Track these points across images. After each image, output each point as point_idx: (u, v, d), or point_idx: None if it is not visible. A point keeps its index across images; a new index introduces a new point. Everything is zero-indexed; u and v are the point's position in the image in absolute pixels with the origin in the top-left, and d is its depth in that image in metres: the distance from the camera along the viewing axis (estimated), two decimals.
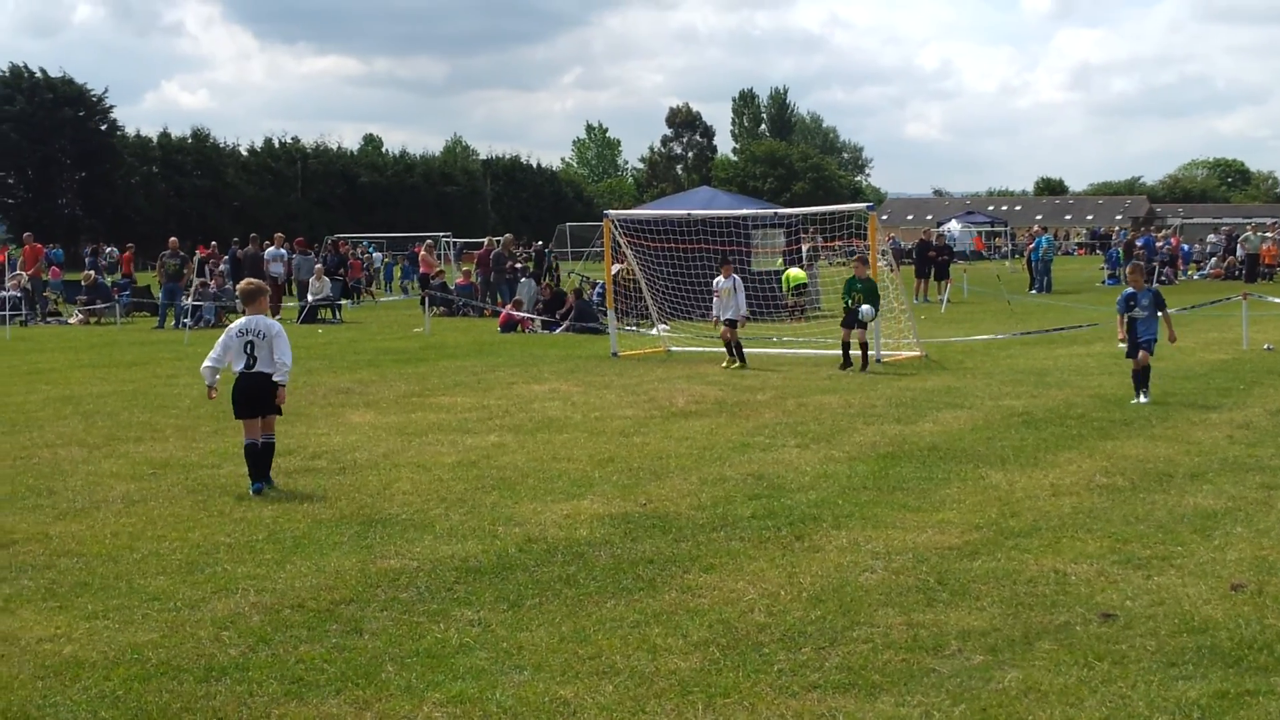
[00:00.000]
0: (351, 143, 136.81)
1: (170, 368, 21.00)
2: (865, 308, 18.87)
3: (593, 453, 12.24)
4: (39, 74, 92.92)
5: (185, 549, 8.64)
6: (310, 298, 33.99)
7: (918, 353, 20.82)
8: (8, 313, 31.82)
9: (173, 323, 31.32)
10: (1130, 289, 15.30)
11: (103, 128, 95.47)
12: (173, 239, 35.21)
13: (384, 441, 13.05)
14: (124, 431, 13.85)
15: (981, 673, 6.10)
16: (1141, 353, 14.81)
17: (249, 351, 10.61)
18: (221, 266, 37.50)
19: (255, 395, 10.60)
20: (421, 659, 6.36)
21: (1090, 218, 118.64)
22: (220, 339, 10.80)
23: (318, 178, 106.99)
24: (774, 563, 8.15)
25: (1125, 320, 15.06)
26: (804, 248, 32.96)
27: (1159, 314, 15.08)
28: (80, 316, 34.59)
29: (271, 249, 36.73)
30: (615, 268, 25.61)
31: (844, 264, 45.40)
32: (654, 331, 24.48)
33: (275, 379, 10.63)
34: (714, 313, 20.53)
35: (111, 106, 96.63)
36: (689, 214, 26.20)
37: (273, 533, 9.09)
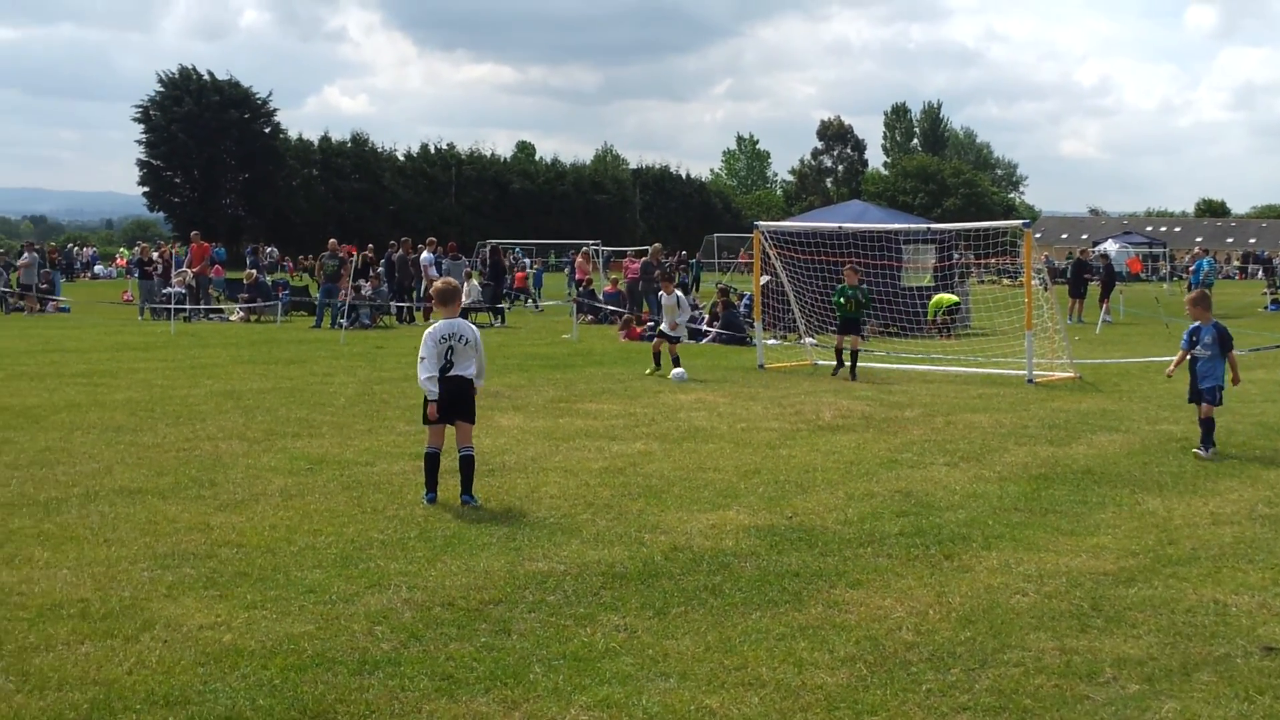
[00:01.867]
0: (505, 149, 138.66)
1: (326, 366, 21.51)
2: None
3: (738, 464, 12.23)
4: (207, 76, 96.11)
5: (340, 544, 8.84)
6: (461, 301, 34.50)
7: (1071, 374, 20.40)
8: (173, 308, 32.90)
9: (329, 323, 32.08)
10: (1195, 322, 13.61)
11: (266, 130, 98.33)
12: (332, 240, 36.02)
13: (532, 445, 13.20)
14: (282, 427, 14.22)
15: (1137, 702, 5.96)
16: (1204, 404, 12.99)
17: (447, 357, 10.28)
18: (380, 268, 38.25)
19: (452, 399, 10.29)
20: (568, 662, 6.42)
21: (1253, 241, 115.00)
22: (425, 347, 10.29)
23: (471, 183, 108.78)
24: (922, 581, 8.06)
25: (1188, 358, 13.41)
26: (955, 264, 32.57)
27: (1224, 355, 13.27)
28: (241, 314, 35.62)
29: (426, 254, 37.40)
30: (763, 280, 25.54)
31: (996, 282, 44.81)
32: (801, 344, 24.35)
33: (478, 384, 10.47)
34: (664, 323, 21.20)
35: (275, 110, 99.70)
36: (840, 227, 26.04)
37: (424, 531, 9.25)
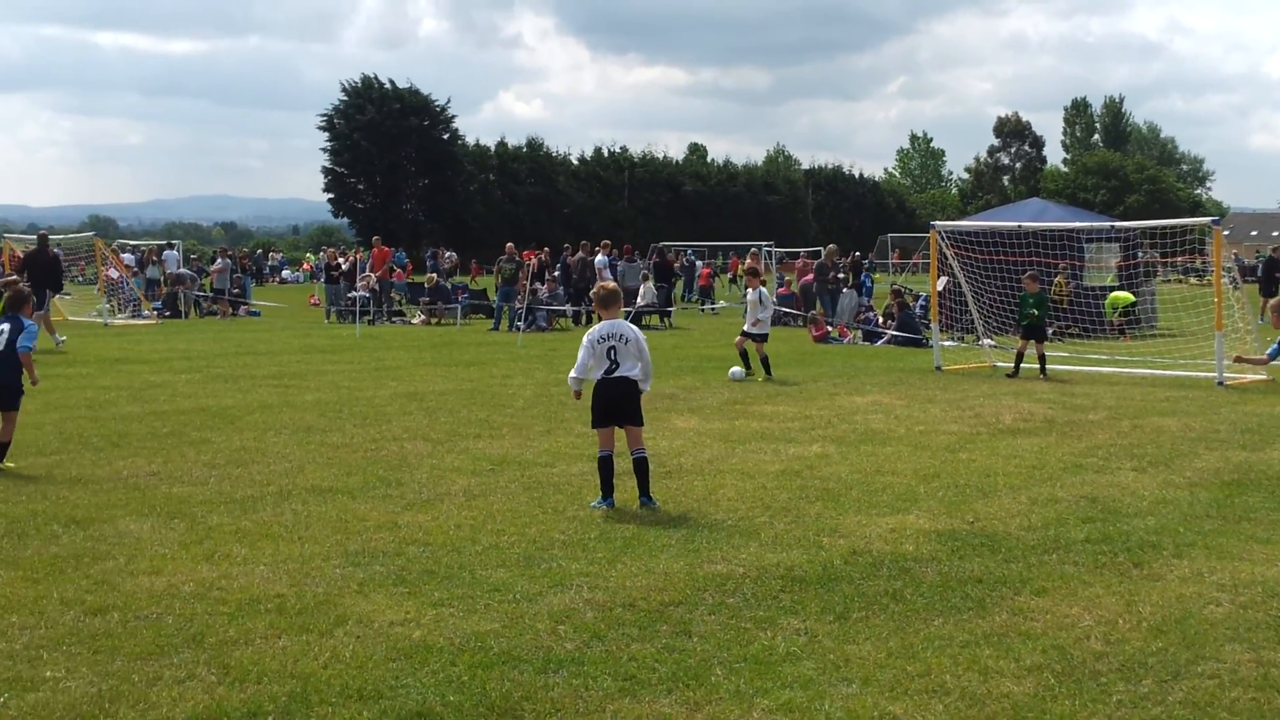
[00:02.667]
0: (677, 152, 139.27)
1: (505, 368, 21.88)
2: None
3: (917, 467, 12.10)
4: (388, 84, 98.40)
5: (523, 543, 9.00)
6: (637, 303, 34.77)
7: (1264, 375, 19.67)
8: (358, 311, 33.84)
9: (507, 325, 32.62)
10: None
11: (445, 137, 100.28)
12: (509, 244, 36.63)
13: (708, 447, 13.25)
14: (464, 428, 14.53)
15: None
16: None
17: (611, 357, 10.30)
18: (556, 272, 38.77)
19: (616, 401, 10.32)
20: (749, 665, 6.44)
21: None
22: (583, 348, 10.40)
23: (644, 186, 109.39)
24: (1110, 589, 7.87)
25: None
26: (1140, 263, 31.67)
27: None
28: (423, 317, 36.44)
29: (600, 257, 37.78)
30: (941, 280, 25.19)
31: (1183, 281, 43.44)
32: (979, 346, 23.95)
33: (643, 387, 10.48)
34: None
35: (454, 116, 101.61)
36: (1020, 226, 25.54)
37: (604, 532, 9.36)
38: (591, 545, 8.96)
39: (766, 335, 20.71)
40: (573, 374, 10.48)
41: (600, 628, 7.05)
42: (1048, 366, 20.67)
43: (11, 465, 11.86)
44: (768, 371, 20.15)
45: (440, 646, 6.71)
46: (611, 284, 11.19)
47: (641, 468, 10.37)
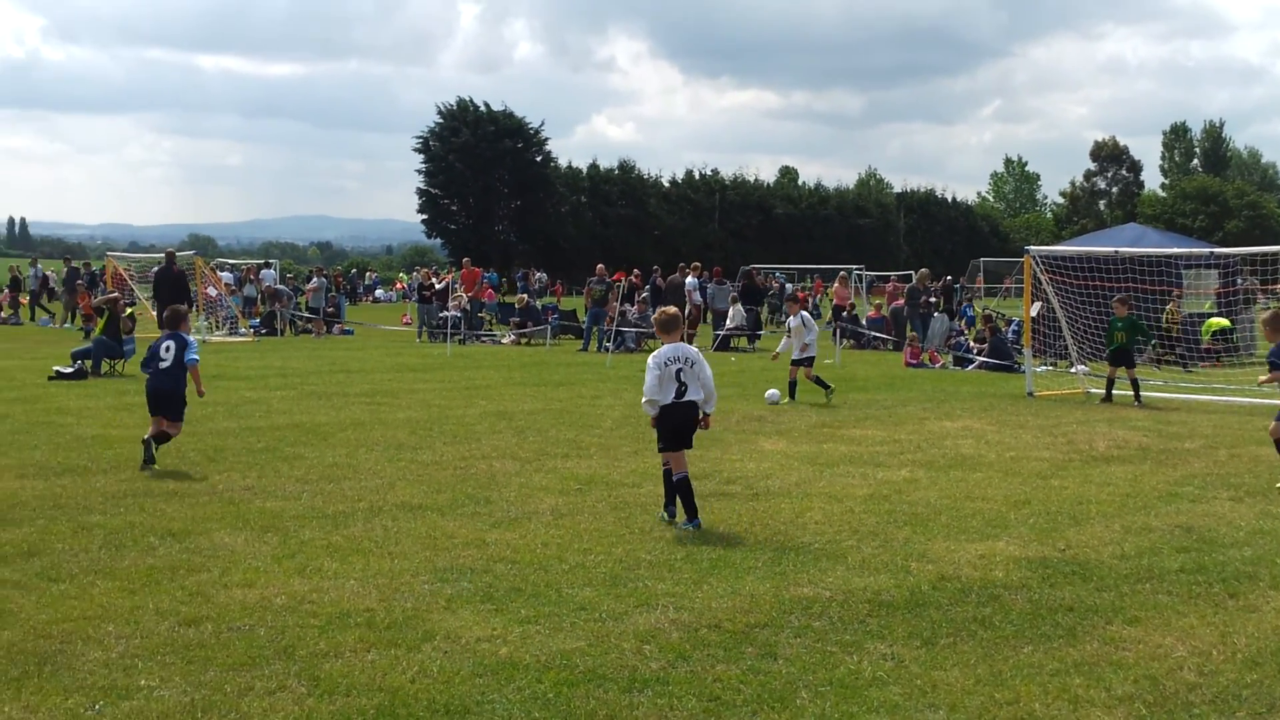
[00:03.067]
0: (768, 175, 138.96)
1: (594, 389, 21.97)
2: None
3: (1008, 493, 11.96)
4: (482, 107, 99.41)
5: (609, 563, 9.03)
6: (726, 325, 34.76)
7: None
8: (448, 331, 34.17)
9: (596, 346, 32.75)
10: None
11: (538, 159, 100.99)
12: (599, 265, 36.81)
13: (795, 470, 13.20)
14: (552, 447, 14.61)
15: None
16: (1274, 423, 12.57)
17: (680, 379, 10.35)
18: (644, 294, 38.89)
19: (686, 425, 10.41)
20: (835, 689, 6.41)
21: None
22: (650, 371, 10.40)
23: (734, 208, 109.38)
24: (1205, 620, 7.72)
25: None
26: (1239, 289, 31.10)
27: None
28: (513, 337, 36.71)
29: (690, 279, 37.82)
30: (1035, 306, 24.90)
31: None
32: (1073, 372, 23.63)
33: (706, 409, 10.53)
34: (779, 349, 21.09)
35: (547, 139, 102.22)
36: (1116, 251, 25.19)
37: (690, 553, 9.36)
38: (678, 566, 8.96)
39: (813, 358, 20.62)
40: (647, 398, 10.47)
41: (685, 648, 7.05)
42: (1142, 393, 20.36)
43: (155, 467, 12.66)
44: (826, 388, 20.24)
45: (526, 664, 6.75)
46: (673, 309, 11.23)
47: (686, 488, 10.39)
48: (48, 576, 8.42)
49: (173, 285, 29.26)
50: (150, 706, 6.04)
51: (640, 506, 11.13)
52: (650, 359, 10.55)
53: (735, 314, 35.24)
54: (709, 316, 37.95)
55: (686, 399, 10.40)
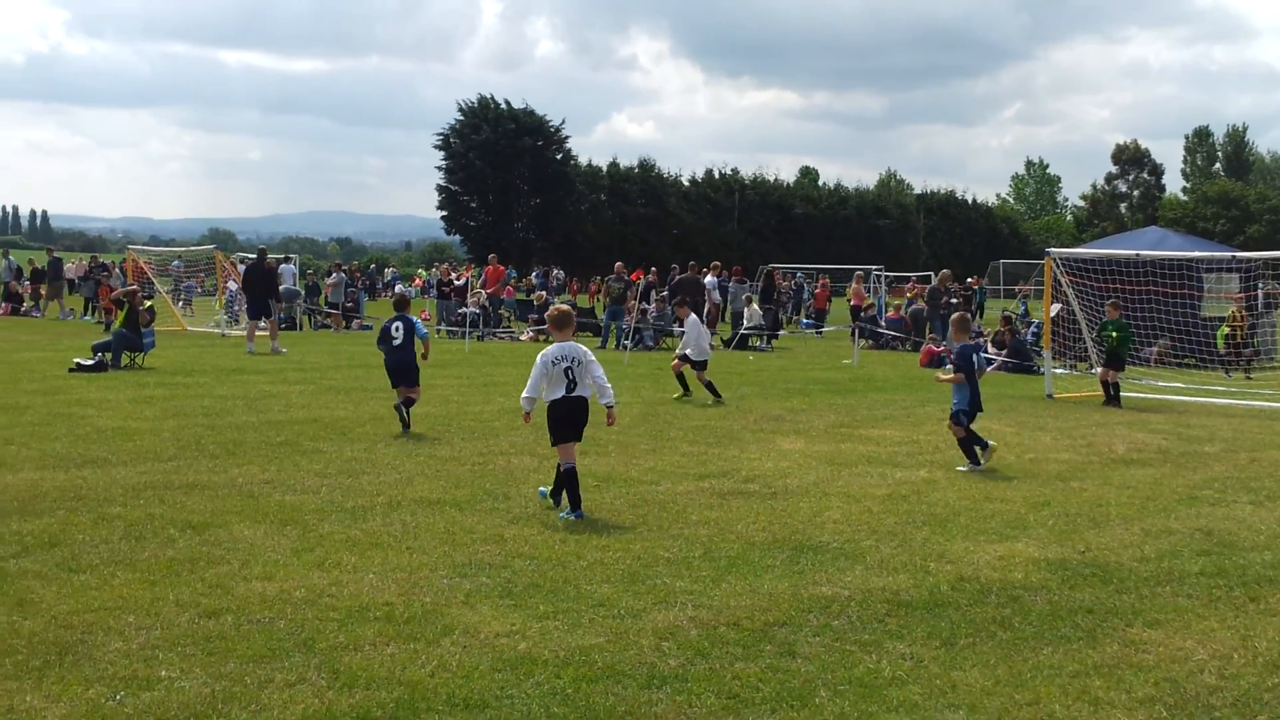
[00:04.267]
0: (787, 174, 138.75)
1: (612, 387, 21.89)
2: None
3: (1027, 495, 11.93)
4: (503, 105, 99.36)
5: (627, 560, 9.02)
6: (744, 325, 34.74)
7: None
8: (466, 329, 34.20)
9: (614, 344, 32.75)
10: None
11: (558, 157, 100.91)
12: (618, 264, 36.81)
13: (814, 469, 13.18)
14: None
15: None
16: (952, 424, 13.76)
17: (570, 377, 10.75)
18: (663, 293, 38.88)
19: (577, 419, 10.81)
20: (854, 688, 6.40)
21: None
22: (536, 369, 10.77)
23: (753, 208, 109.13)
24: (1225, 623, 7.70)
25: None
26: (1261, 294, 30.96)
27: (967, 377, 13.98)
28: (531, 334, 36.70)
29: (709, 278, 37.82)
30: (1055, 308, 24.83)
31: None
32: (1093, 374, 23.54)
33: (604, 402, 10.95)
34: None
35: (567, 137, 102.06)
36: (1138, 254, 25.11)
37: (708, 551, 9.35)
38: (696, 564, 8.96)
39: (703, 364, 20.02)
40: (526, 394, 10.81)
41: (704, 645, 7.04)
42: (1168, 395, 20.38)
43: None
44: (716, 395, 19.68)
45: (545, 659, 6.75)
46: (566, 307, 11.76)
47: (571, 479, 10.68)
48: (69, 567, 8.45)
49: (264, 280, 30.53)
50: (171, 697, 6.06)
51: (658, 504, 11.13)
52: (539, 356, 10.89)
53: (752, 313, 35.19)
54: (728, 315, 37.92)
55: (575, 394, 10.77)
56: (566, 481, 10.69)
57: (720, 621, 7.53)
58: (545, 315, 11.97)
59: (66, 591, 7.86)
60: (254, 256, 33.97)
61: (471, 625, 7.35)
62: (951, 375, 13.99)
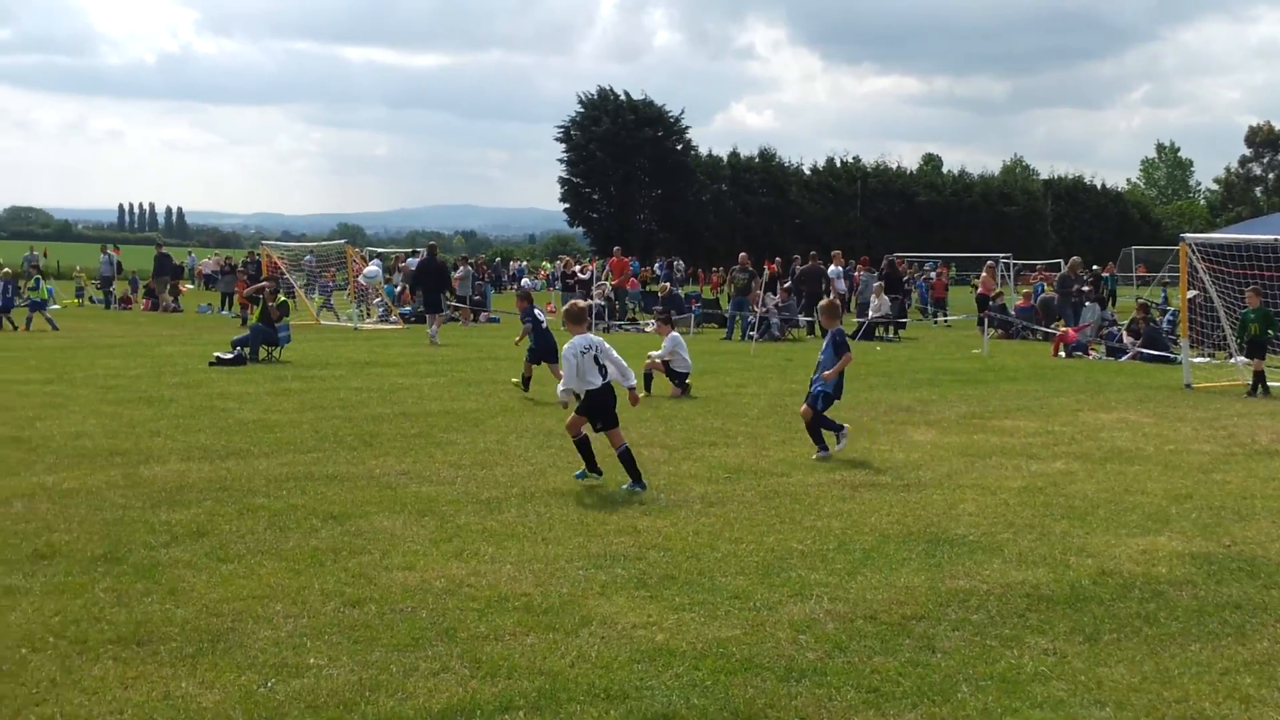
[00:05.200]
0: (910, 162, 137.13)
1: (739, 377, 21.93)
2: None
3: (1168, 487, 11.67)
4: (623, 96, 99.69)
5: (761, 552, 9.02)
6: (870, 315, 34.47)
7: None
8: (592, 320, 34.38)
9: (739, 335, 32.70)
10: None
11: (678, 148, 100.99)
12: (742, 254, 36.75)
13: (946, 461, 13.04)
14: (699, 436, 14.64)
15: None
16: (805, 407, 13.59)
17: (600, 364, 11.37)
18: (788, 283, 38.72)
19: (610, 405, 11.45)
20: (996, 683, 6.33)
21: None
22: (568, 362, 11.42)
23: (876, 196, 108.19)
24: None
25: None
26: None
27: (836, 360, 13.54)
28: (655, 325, 36.76)
29: (833, 267, 37.58)
30: (1190, 294, 24.22)
31: None
32: (1232, 363, 22.94)
33: (627, 384, 11.69)
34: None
35: (687, 127, 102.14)
36: (1276, 239, 24.38)
37: (842, 543, 9.31)
38: (830, 556, 8.92)
39: (683, 375, 19.24)
40: (564, 385, 11.50)
41: (842, 639, 7.02)
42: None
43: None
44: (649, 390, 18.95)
45: (683, 651, 6.78)
46: (583, 302, 12.68)
47: (629, 458, 11.37)
48: (217, 556, 8.68)
49: (437, 275, 31.92)
50: (320, 685, 6.21)
51: (790, 496, 11.10)
52: (566, 350, 11.47)
53: (880, 303, 34.89)
54: (854, 305, 37.66)
55: (606, 381, 11.43)
56: (624, 460, 11.33)
57: (857, 615, 7.50)
58: (563, 311, 12.24)
59: (216, 580, 8.08)
60: (423, 252, 35.20)
61: (608, 616, 7.40)
62: (835, 368, 13.39)
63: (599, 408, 11.47)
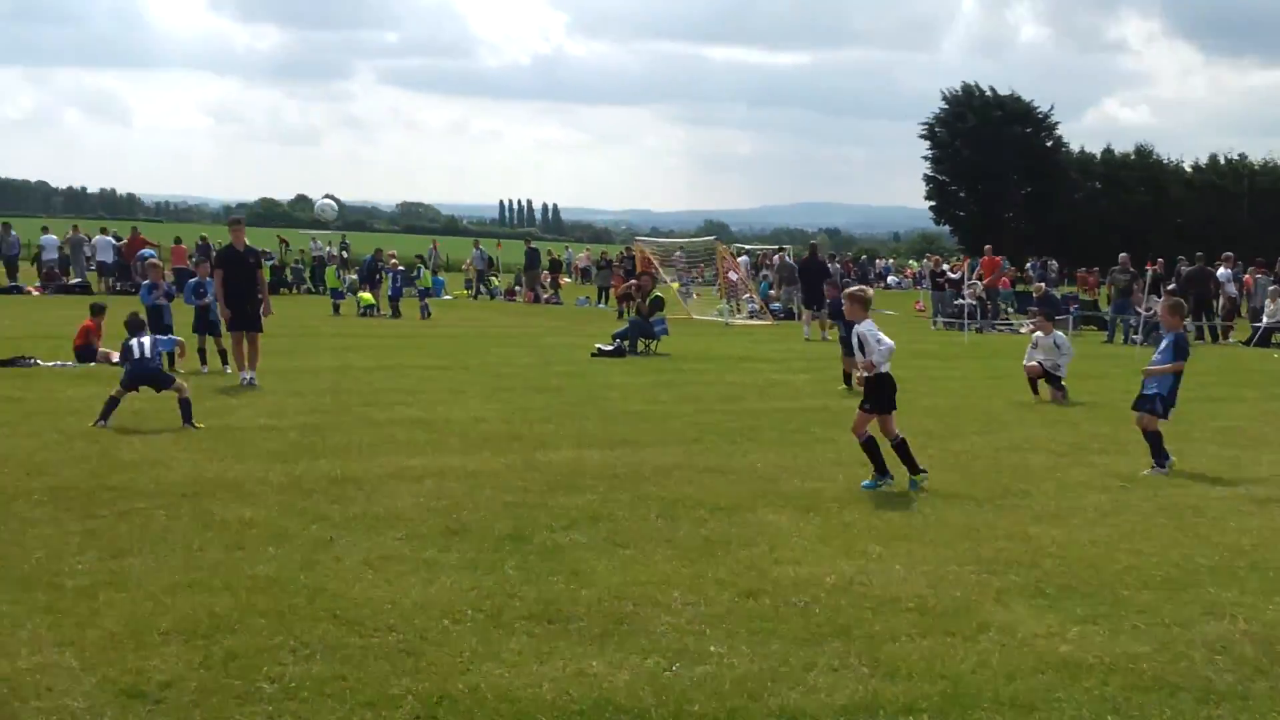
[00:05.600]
0: None
1: (1123, 383, 20.92)
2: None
3: None
4: (988, 92, 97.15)
5: (1164, 566, 8.61)
6: (1265, 320, 32.39)
7: None
8: (965, 321, 33.71)
9: (1121, 338, 31.37)
10: None
11: (1048, 144, 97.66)
12: (1123, 255, 35.22)
13: None
14: (1087, 441, 14.13)
15: None
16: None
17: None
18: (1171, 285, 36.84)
19: (894, 391, 11.58)
20: None
21: None
22: (880, 339, 11.39)
23: (1265, 196, 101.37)
24: None
25: None
26: None
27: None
28: (1030, 326, 35.69)
29: (1223, 270, 35.55)
30: None
31: None
32: None
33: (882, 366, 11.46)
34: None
35: (1056, 123, 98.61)
36: None
37: (1254, 562, 8.78)
38: (1242, 575, 8.43)
39: (1059, 379, 18.32)
40: (881, 358, 11.35)
41: (1262, 662, 6.62)
42: None
43: None
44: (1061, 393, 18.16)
45: (1089, 664, 6.55)
46: (869, 289, 13.34)
47: (905, 449, 11.28)
48: (614, 542, 8.98)
49: (818, 272, 32.46)
50: (723, 672, 6.33)
51: (1191, 509, 10.56)
52: (868, 333, 11.41)
53: (1276, 308, 32.68)
54: (1245, 310, 35.46)
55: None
56: (900, 452, 11.27)
57: (1277, 638, 7.05)
58: (850, 294, 12.05)
59: (614, 565, 8.36)
60: (787, 250, 36.11)
61: (1007, 624, 7.23)
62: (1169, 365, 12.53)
63: (891, 392, 11.49)
